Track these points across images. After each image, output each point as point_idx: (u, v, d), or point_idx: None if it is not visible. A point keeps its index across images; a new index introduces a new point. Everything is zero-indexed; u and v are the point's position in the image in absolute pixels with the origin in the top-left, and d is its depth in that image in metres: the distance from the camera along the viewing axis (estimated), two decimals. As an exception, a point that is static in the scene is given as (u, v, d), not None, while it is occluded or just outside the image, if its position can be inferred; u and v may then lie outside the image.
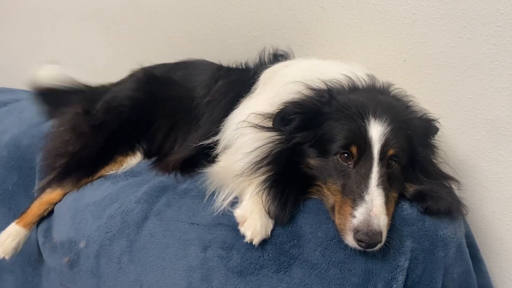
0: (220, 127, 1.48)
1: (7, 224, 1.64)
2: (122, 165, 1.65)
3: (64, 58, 2.59)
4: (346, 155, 1.18)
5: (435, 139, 1.36)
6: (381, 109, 1.20)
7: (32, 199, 1.69)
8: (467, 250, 1.31)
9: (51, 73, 1.99)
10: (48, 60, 2.07)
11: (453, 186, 1.32)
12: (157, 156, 1.70)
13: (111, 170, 1.64)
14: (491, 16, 1.42)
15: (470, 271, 1.30)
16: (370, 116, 1.19)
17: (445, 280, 1.21)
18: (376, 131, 1.17)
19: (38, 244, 1.68)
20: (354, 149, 1.17)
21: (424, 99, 1.52)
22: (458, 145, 1.59)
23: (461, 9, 1.45)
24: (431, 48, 1.55)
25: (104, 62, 2.22)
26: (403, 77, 1.63)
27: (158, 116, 1.72)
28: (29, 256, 1.76)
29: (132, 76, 1.90)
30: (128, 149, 1.68)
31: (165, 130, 1.70)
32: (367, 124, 1.18)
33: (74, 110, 1.77)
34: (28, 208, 1.65)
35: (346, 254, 1.17)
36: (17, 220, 1.62)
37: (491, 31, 1.43)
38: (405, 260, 1.17)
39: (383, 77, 1.44)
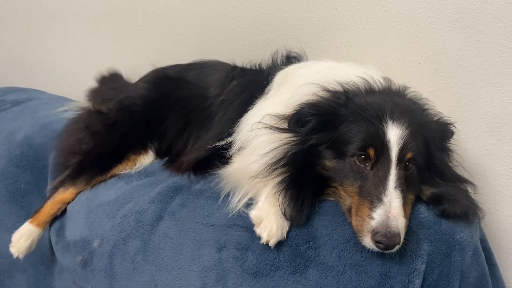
0: (234, 128, 1.47)
1: (19, 222, 1.65)
2: (135, 164, 1.65)
3: (75, 59, 2.62)
4: (363, 157, 1.18)
5: (450, 143, 1.36)
6: (399, 112, 1.20)
7: (45, 199, 1.69)
8: (483, 254, 1.30)
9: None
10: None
11: (469, 190, 1.31)
12: (170, 155, 1.70)
13: (124, 168, 1.64)
14: (508, 20, 1.41)
15: (486, 275, 1.29)
16: (388, 119, 1.19)
17: (461, 284, 1.20)
18: (394, 134, 1.17)
19: (50, 243, 1.69)
20: (371, 151, 1.17)
21: (439, 102, 1.51)
22: (472, 149, 1.59)
23: (477, 12, 1.44)
24: (446, 51, 1.54)
25: (116, 64, 2.22)
26: (417, 80, 1.62)
27: (170, 115, 1.72)
28: (41, 255, 1.76)
29: (145, 76, 1.91)
30: (140, 148, 1.68)
31: (178, 129, 1.70)
32: (385, 127, 1.18)
33: (88, 109, 1.78)
34: (41, 207, 1.65)
35: (362, 256, 1.17)
36: (30, 220, 1.63)
37: (508, 34, 1.42)
38: (422, 263, 1.16)
39: (397, 80, 1.43)
